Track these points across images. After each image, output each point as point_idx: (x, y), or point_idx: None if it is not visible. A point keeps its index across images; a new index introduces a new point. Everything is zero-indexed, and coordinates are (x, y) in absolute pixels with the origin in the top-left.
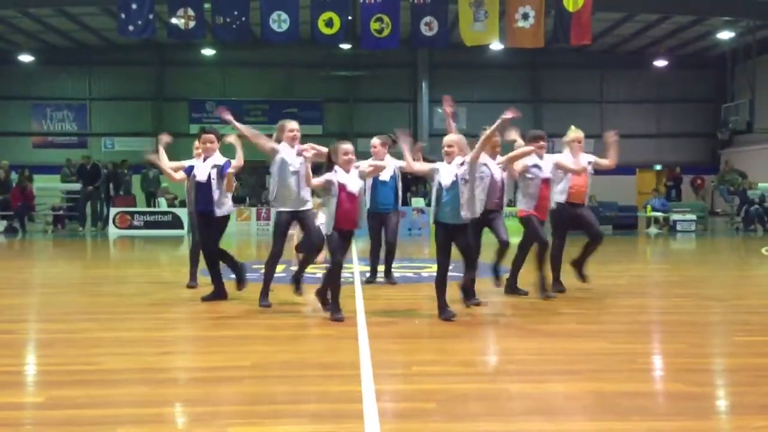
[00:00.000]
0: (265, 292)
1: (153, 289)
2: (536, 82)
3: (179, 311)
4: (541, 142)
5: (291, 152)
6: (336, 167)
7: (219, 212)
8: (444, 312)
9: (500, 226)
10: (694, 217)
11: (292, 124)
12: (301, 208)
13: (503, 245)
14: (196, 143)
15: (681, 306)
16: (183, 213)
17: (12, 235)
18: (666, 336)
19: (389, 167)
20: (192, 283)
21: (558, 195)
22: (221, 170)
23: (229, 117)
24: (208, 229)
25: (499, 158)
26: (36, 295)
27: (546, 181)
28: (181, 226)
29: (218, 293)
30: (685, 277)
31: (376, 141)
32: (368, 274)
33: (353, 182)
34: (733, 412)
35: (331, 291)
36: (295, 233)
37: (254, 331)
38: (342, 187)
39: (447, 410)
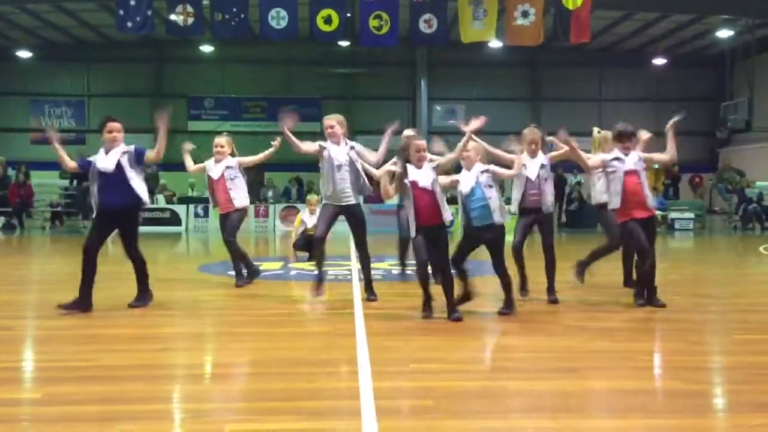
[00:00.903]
0: (317, 282)
1: (150, 286)
2: (535, 81)
3: (176, 308)
4: (627, 143)
5: (335, 148)
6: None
7: (144, 200)
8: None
9: (548, 228)
10: (692, 215)
11: (327, 121)
12: (344, 203)
13: (546, 248)
14: (218, 140)
15: (679, 304)
16: (181, 210)
17: (10, 232)
18: (664, 334)
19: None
20: (240, 282)
21: (600, 195)
22: (137, 156)
23: (287, 131)
24: (114, 225)
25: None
26: (33, 292)
27: (630, 174)
28: (179, 223)
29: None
30: (684, 275)
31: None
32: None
33: (425, 177)
34: (731, 409)
35: (422, 289)
36: (293, 230)
37: (252, 328)
38: (413, 183)
39: (445, 407)
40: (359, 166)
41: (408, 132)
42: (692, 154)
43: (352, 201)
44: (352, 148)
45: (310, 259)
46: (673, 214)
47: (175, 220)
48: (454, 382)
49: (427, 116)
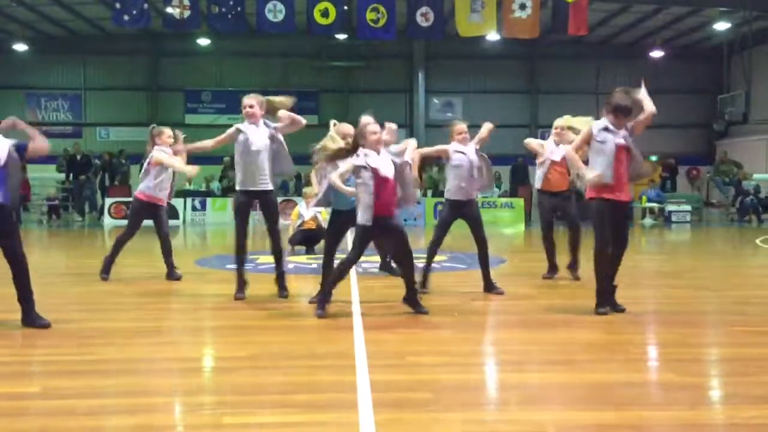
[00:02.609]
0: (239, 284)
1: (147, 279)
2: (533, 73)
3: (173, 302)
4: (621, 120)
5: (253, 130)
6: (365, 150)
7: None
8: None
9: (478, 218)
10: (689, 207)
11: (246, 100)
12: (262, 188)
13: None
14: (166, 131)
15: (675, 296)
16: (178, 203)
17: None
18: (660, 326)
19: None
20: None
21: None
22: (18, 148)
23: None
24: None
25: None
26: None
27: (621, 148)
28: (176, 216)
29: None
30: (680, 267)
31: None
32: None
33: (386, 164)
34: (725, 402)
35: (329, 284)
36: (290, 224)
37: (249, 322)
38: (375, 171)
39: (442, 400)
40: (282, 147)
41: (365, 118)
42: (689, 147)
43: (268, 187)
44: (275, 128)
45: (307, 252)
46: (670, 207)
47: (172, 213)
48: (450, 375)
49: (424, 109)
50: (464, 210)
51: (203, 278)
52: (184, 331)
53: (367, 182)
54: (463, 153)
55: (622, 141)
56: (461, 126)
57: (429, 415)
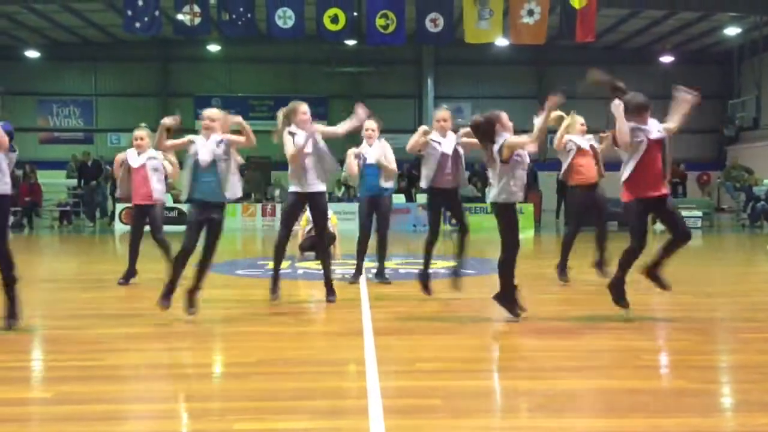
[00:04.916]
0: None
1: (158, 285)
2: (542, 79)
3: (183, 307)
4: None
5: (303, 134)
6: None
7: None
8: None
9: (459, 207)
10: (699, 213)
11: (304, 107)
12: (310, 190)
13: (464, 231)
14: (137, 132)
15: (686, 302)
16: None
17: (19, 231)
18: (670, 332)
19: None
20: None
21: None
22: None
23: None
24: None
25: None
26: (41, 291)
27: (656, 143)
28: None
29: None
30: (690, 273)
31: (372, 125)
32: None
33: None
34: (736, 409)
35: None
36: (299, 230)
37: (259, 328)
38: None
39: (451, 407)
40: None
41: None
42: (699, 152)
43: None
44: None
45: (316, 258)
46: (680, 212)
47: (183, 219)
48: (460, 381)
49: (433, 114)
50: (448, 198)
51: (212, 284)
52: (194, 336)
53: None
54: (438, 143)
55: (656, 135)
56: (440, 113)
57: (439, 421)
